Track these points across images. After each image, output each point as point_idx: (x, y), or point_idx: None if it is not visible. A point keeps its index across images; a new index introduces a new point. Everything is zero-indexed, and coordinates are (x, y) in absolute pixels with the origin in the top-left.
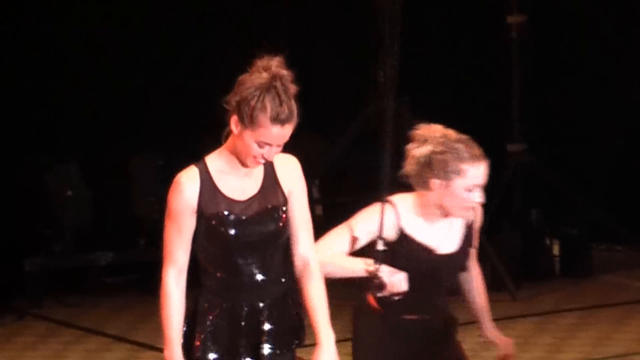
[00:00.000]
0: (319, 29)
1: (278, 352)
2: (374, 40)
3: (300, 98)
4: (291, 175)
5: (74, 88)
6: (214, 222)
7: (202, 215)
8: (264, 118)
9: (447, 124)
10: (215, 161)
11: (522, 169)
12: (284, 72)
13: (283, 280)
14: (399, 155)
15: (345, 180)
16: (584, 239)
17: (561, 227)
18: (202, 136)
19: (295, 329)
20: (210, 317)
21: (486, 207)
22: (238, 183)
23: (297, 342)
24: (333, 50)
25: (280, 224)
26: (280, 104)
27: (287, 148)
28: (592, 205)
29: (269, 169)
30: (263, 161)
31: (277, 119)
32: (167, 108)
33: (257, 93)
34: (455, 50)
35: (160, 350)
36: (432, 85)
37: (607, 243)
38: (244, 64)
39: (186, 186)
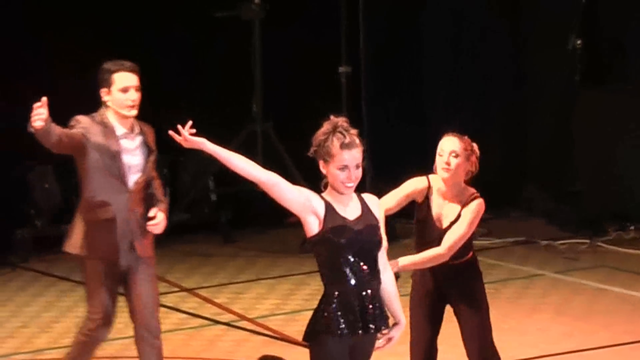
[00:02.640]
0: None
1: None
2: (253, 80)
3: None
4: (378, 206)
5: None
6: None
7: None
8: (335, 149)
9: (299, 142)
10: (327, 197)
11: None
12: (342, 119)
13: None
14: (268, 164)
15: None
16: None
17: None
18: None
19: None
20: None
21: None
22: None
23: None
24: (220, 85)
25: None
26: (344, 136)
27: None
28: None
29: (362, 201)
30: (350, 184)
31: (343, 145)
32: None
33: (327, 136)
34: (303, 88)
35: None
36: (291, 113)
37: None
38: None
39: (315, 199)
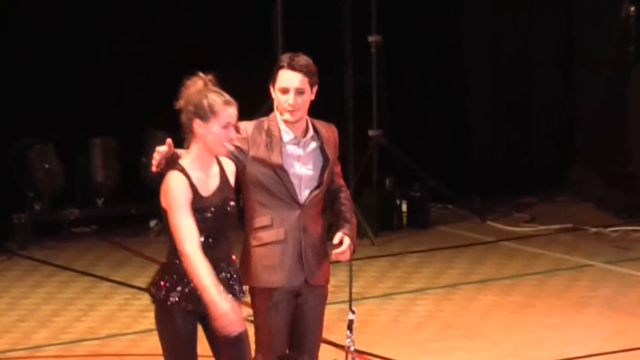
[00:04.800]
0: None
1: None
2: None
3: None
4: (233, 173)
5: (53, 86)
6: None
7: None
8: (218, 105)
9: (328, 117)
10: (188, 164)
11: (379, 148)
12: (209, 77)
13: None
14: None
15: None
16: (425, 200)
17: (408, 191)
18: (149, 123)
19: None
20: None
21: (350, 177)
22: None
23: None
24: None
25: (229, 208)
26: (221, 94)
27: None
28: (431, 175)
29: (221, 168)
30: (229, 143)
31: (226, 102)
32: (120, 102)
33: (204, 93)
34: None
35: (114, 281)
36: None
37: (441, 203)
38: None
39: (182, 184)
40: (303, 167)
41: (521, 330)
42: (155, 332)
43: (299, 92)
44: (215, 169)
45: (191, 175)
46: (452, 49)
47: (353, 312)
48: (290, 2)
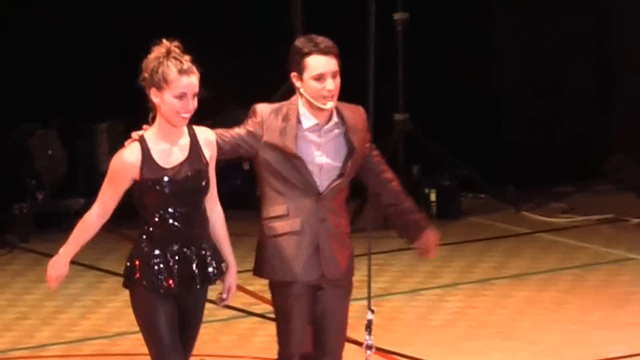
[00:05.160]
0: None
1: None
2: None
3: (233, 79)
4: (211, 144)
5: (56, 68)
6: (150, 184)
7: (142, 179)
8: (172, 74)
9: (350, 98)
10: (151, 136)
11: (406, 133)
12: (175, 44)
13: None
14: None
15: None
16: (455, 188)
17: (437, 179)
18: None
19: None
20: None
21: None
22: (169, 152)
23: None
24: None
25: (204, 183)
26: (181, 62)
27: (222, 120)
28: (461, 162)
29: (194, 140)
30: (187, 115)
31: (182, 71)
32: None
33: (160, 60)
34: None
35: (120, 275)
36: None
37: (472, 192)
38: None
39: (128, 155)
40: (323, 156)
41: (558, 328)
42: None
43: (334, 75)
44: (185, 140)
45: (151, 146)
46: (482, 28)
47: (372, 312)
48: None
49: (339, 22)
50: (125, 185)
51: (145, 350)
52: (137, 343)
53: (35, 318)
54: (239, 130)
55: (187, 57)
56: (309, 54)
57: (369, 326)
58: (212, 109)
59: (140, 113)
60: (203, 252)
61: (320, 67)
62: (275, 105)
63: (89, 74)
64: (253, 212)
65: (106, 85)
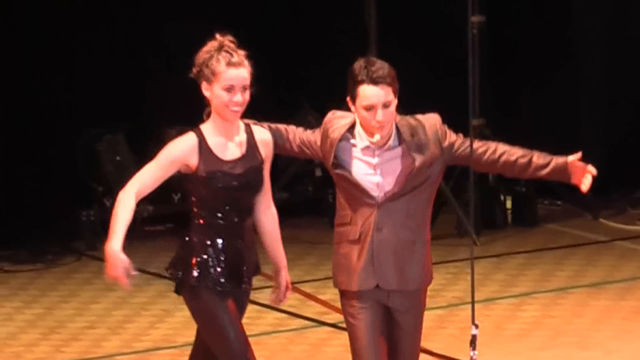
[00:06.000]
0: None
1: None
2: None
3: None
4: (268, 144)
5: (125, 71)
6: (204, 177)
7: (198, 171)
8: (220, 67)
9: (424, 104)
10: (207, 129)
11: (481, 139)
12: (229, 38)
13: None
14: None
15: None
16: (531, 195)
17: (513, 185)
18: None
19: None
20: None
21: (452, 170)
22: (225, 146)
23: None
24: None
25: (259, 181)
26: (231, 55)
27: (297, 123)
28: None
29: (250, 137)
30: (237, 108)
31: (230, 63)
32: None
33: (211, 54)
34: (427, 44)
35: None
36: (411, 71)
37: (549, 199)
38: None
39: (184, 142)
40: (377, 176)
41: (637, 338)
42: None
43: (385, 105)
44: (241, 137)
45: (208, 138)
46: (562, 33)
47: (476, 327)
48: None
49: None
50: (171, 170)
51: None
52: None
53: (103, 327)
54: (308, 133)
55: (241, 52)
56: (361, 82)
57: (473, 341)
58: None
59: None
60: (248, 249)
61: (370, 98)
62: (344, 117)
63: (158, 78)
64: (325, 219)
65: (176, 90)
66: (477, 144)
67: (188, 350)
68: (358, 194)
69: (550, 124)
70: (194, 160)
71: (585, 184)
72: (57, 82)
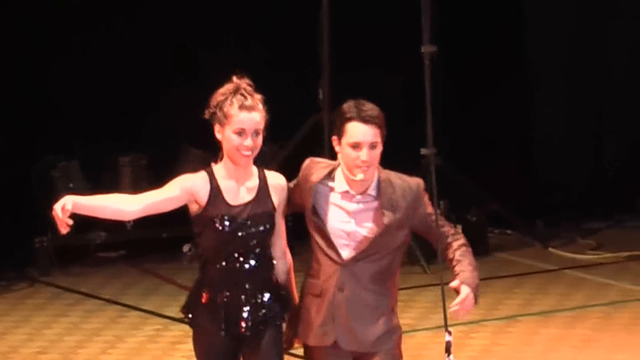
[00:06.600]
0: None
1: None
2: (320, 65)
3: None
4: (282, 189)
5: (79, 100)
6: (211, 220)
7: (205, 212)
8: (233, 110)
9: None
10: (219, 172)
11: (433, 168)
12: (246, 81)
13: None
14: (334, 156)
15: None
16: (482, 224)
17: (464, 214)
18: (180, 141)
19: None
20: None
21: None
22: (236, 190)
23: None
24: (284, 75)
25: (268, 226)
26: (245, 98)
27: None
28: (489, 198)
29: (263, 183)
30: (248, 152)
31: (243, 106)
32: (151, 119)
33: (226, 96)
34: (380, 72)
35: (144, 311)
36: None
37: (500, 228)
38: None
39: (197, 178)
40: (352, 224)
41: None
42: None
43: (372, 146)
44: (254, 182)
45: (219, 180)
46: (515, 60)
47: (450, 333)
48: (336, 11)
49: (366, 53)
50: (176, 199)
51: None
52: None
53: (55, 353)
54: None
55: (257, 96)
56: (350, 119)
57: (448, 348)
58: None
59: (163, 148)
60: (259, 298)
61: (358, 136)
62: (322, 163)
63: (112, 106)
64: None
65: (128, 119)
66: (444, 228)
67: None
68: (327, 248)
69: (502, 153)
70: (203, 197)
71: (453, 310)
72: (15, 106)
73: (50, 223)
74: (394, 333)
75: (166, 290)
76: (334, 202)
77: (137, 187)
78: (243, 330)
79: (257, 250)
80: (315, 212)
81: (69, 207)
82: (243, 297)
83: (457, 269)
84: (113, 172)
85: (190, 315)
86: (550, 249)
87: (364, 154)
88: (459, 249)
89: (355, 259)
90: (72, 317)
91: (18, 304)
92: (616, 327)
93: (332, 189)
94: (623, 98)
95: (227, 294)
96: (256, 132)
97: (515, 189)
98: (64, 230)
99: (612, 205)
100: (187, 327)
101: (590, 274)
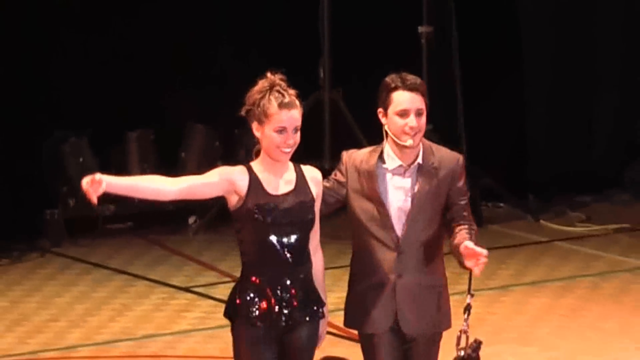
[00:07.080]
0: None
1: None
2: (320, 43)
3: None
4: (318, 182)
5: (91, 77)
6: (252, 212)
7: (245, 204)
8: (272, 108)
9: (372, 110)
10: (257, 167)
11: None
12: (280, 77)
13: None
14: (335, 134)
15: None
16: (475, 197)
17: None
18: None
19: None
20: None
21: None
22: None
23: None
24: (282, 51)
25: (310, 216)
26: (283, 95)
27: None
28: (482, 172)
29: (300, 175)
30: (288, 150)
31: (282, 105)
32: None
33: (263, 94)
34: (379, 52)
35: (151, 280)
36: (361, 79)
37: (492, 201)
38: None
39: (237, 170)
40: (408, 200)
41: (575, 335)
42: (193, 333)
43: (419, 113)
44: (291, 175)
45: (258, 173)
46: (509, 37)
47: (472, 296)
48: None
49: (364, 35)
50: (214, 185)
51: (171, 352)
52: (163, 345)
53: (65, 320)
54: (325, 182)
55: (291, 92)
56: (395, 89)
57: (467, 309)
58: None
59: (170, 122)
60: (298, 293)
61: (404, 103)
62: (362, 150)
63: (121, 83)
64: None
65: (137, 95)
66: (466, 212)
67: (146, 343)
68: (382, 233)
69: (495, 128)
70: (242, 187)
71: (479, 268)
72: (28, 84)
73: (60, 195)
74: (448, 312)
75: (172, 261)
76: (387, 180)
77: (144, 161)
78: (283, 324)
79: (299, 242)
80: (378, 196)
81: (98, 179)
82: (283, 291)
83: (461, 234)
84: (120, 147)
85: (230, 312)
86: (541, 222)
87: (411, 120)
88: (469, 228)
89: (410, 240)
90: (82, 287)
91: (29, 273)
92: (604, 297)
93: (386, 170)
94: (612, 78)
95: (268, 287)
96: (295, 129)
97: (508, 164)
98: (94, 199)
99: (602, 180)
100: (191, 296)
101: (579, 246)
